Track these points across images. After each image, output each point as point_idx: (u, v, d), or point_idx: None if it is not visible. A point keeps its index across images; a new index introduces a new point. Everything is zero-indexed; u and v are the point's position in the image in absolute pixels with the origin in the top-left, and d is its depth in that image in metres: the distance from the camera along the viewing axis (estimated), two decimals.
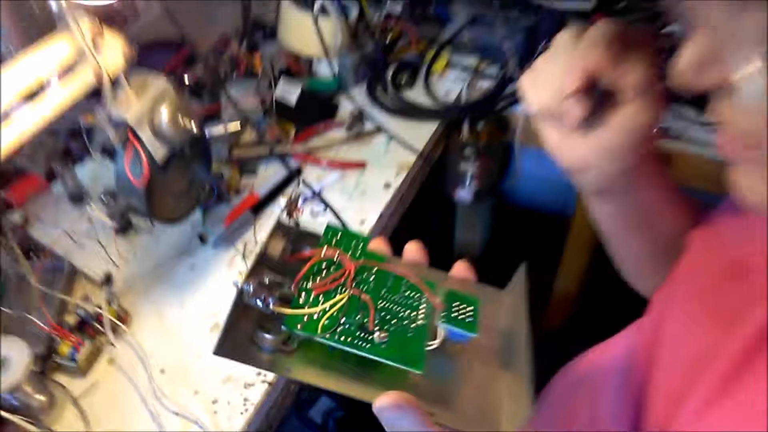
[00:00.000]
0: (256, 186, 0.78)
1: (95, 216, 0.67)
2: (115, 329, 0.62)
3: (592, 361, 0.56)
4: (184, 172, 0.60)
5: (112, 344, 0.62)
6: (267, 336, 0.40)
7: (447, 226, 1.23)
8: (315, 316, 0.41)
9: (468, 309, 0.43)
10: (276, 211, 0.75)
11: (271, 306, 0.40)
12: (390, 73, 0.93)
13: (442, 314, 0.41)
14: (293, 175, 0.79)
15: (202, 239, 0.72)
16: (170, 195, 0.58)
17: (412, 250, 0.46)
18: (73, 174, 0.72)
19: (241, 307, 0.40)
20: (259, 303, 0.40)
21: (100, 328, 0.62)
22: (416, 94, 0.91)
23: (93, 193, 0.73)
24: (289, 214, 0.75)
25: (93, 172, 0.76)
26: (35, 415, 0.56)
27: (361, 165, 0.81)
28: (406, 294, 0.44)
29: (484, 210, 1.22)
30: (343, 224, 0.74)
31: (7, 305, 0.62)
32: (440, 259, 0.48)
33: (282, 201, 0.76)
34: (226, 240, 0.72)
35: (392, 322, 0.42)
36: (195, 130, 0.55)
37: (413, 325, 0.42)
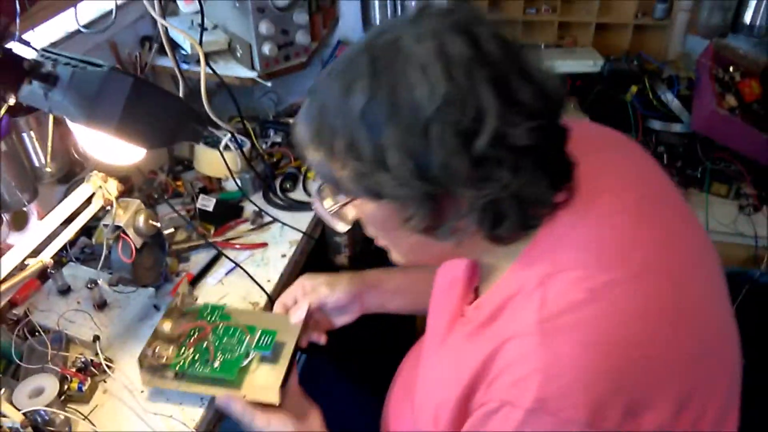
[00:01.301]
0: (189, 268, 1.12)
1: (84, 298, 0.98)
2: (105, 370, 0.92)
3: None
4: (151, 254, 0.94)
5: (104, 380, 0.91)
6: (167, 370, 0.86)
7: None
8: (182, 361, 0.89)
9: (269, 337, 0.91)
10: (209, 282, 1.09)
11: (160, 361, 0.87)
12: (278, 182, 1.33)
13: (254, 344, 0.89)
14: (216, 257, 1.14)
15: (156, 307, 1.04)
16: (145, 268, 0.92)
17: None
18: (60, 275, 1.03)
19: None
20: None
21: (95, 370, 0.92)
22: (298, 194, 1.31)
23: (74, 286, 1.04)
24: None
25: (71, 273, 1.07)
26: (58, 428, 0.84)
27: (263, 245, 1.18)
28: (238, 336, 0.92)
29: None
30: (256, 282, 1.09)
31: (29, 364, 0.91)
32: None
33: (209, 279, 1.11)
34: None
35: (227, 353, 0.89)
36: (158, 226, 0.91)
37: (236, 353, 0.89)
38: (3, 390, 0.84)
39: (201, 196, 1.25)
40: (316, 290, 0.92)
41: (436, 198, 0.56)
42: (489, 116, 0.52)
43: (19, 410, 0.81)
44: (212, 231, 1.19)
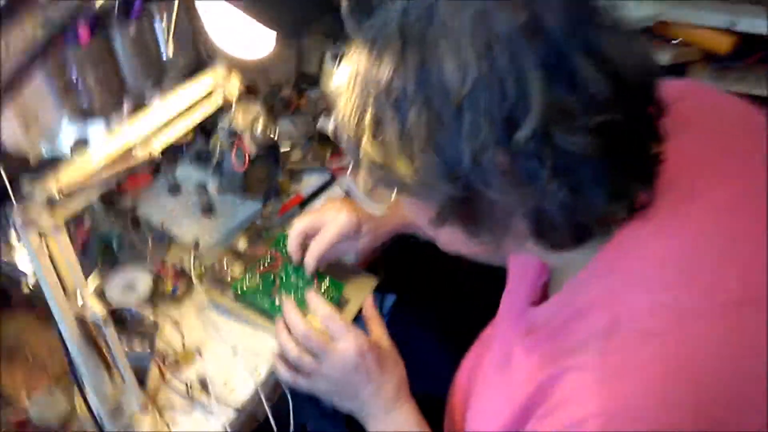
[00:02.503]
0: (301, 189, 1.05)
1: (192, 201, 0.95)
2: (197, 278, 0.88)
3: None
4: (264, 166, 0.88)
5: (199, 287, 0.88)
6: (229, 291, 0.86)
7: None
8: (245, 285, 0.85)
9: (335, 291, 0.86)
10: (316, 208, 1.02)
11: (225, 278, 0.87)
12: None
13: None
14: (329, 182, 1.06)
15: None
16: (256, 179, 0.86)
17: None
18: (172, 173, 1.00)
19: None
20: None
21: (192, 276, 0.88)
22: None
23: (184, 188, 1.01)
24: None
25: (184, 174, 1.04)
26: (146, 329, 0.82)
27: None
28: (306, 279, 0.86)
29: None
30: None
31: (125, 259, 0.89)
32: None
33: (319, 201, 1.03)
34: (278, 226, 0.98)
35: (290, 292, 0.84)
36: (275, 139, 0.84)
37: (298, 296, 0.84)
38: (95, 280, 0.82)
39: (323, 117, 1.18)
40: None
41: (464, 202, 0.45)
42: (534, 107, 0.40)
43: (109, 304, 0.78)
44: (328, 155, 1.12)
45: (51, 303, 0.60)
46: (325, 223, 0.83)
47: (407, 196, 0.50)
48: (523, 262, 0.65)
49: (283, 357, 0.74)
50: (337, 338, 0.71)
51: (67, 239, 0.61)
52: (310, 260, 0.83)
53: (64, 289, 0.61)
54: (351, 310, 0.84)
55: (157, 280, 0.86)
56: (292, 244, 0.84)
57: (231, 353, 0.81)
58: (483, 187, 0.43)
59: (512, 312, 0.64)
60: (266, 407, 0.76)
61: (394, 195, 0.51)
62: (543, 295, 0.60)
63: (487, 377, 0.66)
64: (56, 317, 0.61)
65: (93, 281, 0.83)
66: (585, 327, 0.48)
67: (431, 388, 0.76)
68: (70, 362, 0.63)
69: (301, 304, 0.77)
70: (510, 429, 0.54)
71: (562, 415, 0.46)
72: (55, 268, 0.60)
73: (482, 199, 0.45)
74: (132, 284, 0.80)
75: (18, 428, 0.71)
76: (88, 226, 0.87)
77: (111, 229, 0.87)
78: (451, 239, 0.53)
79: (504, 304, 0.69)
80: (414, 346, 0.81)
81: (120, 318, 0.79)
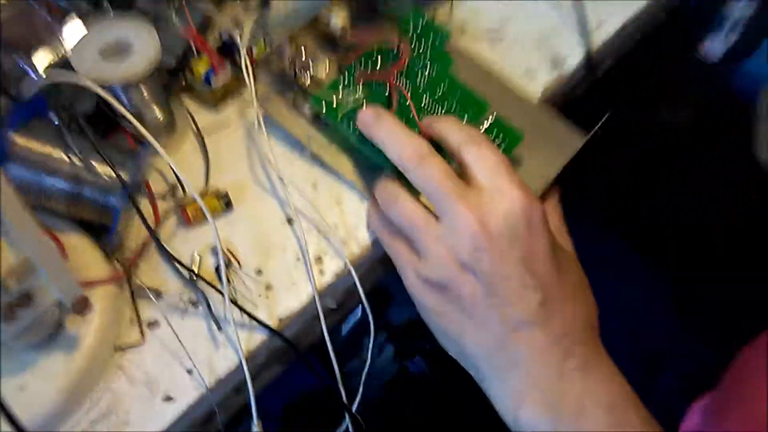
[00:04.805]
0: None
1: None
2: (248, 70, 0.48)
3: None
4: None
5: (251, 84, 0.48)
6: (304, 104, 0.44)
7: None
8: (336, 100, 0.43)
9: (502, 141, 0.42)
10: None
11: (299, 78, 0.45)
12: None
13: None
14: None
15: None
16: None
17: None
18: None
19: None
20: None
21: (242, 61, 0.48)
22: None
23: None
24: None
25: None
26: (150, 123, 0.44)
27: None
28: (451, 106, 0.43)
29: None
30: None
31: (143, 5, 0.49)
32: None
33: None
34: None
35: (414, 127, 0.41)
36: None
37: None
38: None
39: None
40: None
41: None
42: None
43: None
44: None
45: None
46: None
47: None
48: None
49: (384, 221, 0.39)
50: (496, 198, 0.35)
51: None
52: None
53: None
54: (538, 183, 0.43)
55: (185, 52, 0.47)
56: None
57: (282, 218, 0.43)
58: None
59: None
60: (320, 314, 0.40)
61: None
62: None
63: None
64: None
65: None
66: None
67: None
68: None
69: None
70: None
71: None
72: None
73: None
74: (125, 45, 0.42)
75: None
76: None
77: None
78: None
79: None
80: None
81: (98, 112, 0.42)
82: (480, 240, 0.34)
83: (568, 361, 0.35)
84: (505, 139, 0.43)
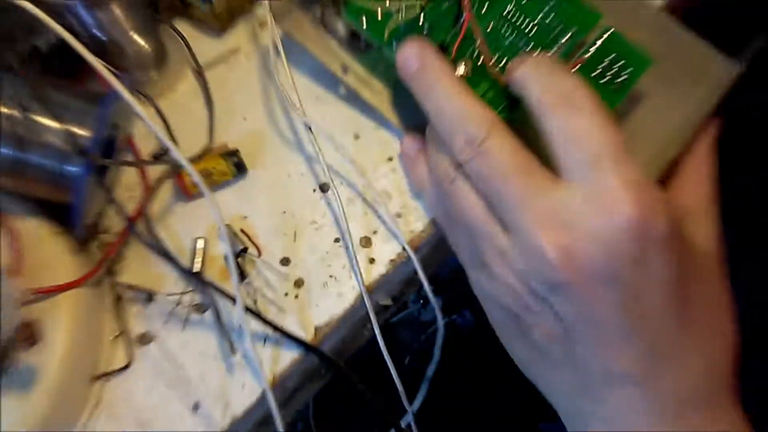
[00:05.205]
0: None
1: None
2: None
3: None
4: None
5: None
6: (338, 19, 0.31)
7: None
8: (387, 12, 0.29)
9: (621, 69, 0.29)
10: None
11: None
12: None
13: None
14: None
15: None
16: None
17: None
18: None
19: None
20: None
21: None
22: None
23: None
24: None
25: None
26: (130, 66, 0.33)
27: None
28: (545, 20, 0.29)
29: None
30: None
31: None
32: None
33: None
34: None
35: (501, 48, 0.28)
36: None
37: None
38: None
39: None
40: None
41: None
42: None
43: None
44: None
45: None
46: None
47: None
48: None
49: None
50: (592, 207, 0.22)
51: None
52: None
53: None
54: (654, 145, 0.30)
55: None
56: None
57: (313, 183, 0.31)
58: None
59: None
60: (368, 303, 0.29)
61: None
62: None
63: None
64: None
65: None
66: None
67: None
68: None
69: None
70: None
71: None
72: None
73: None
74: None
75: None
76: None
77: None
78: None
79: None
80: None
81: (63, 47, 0.31)
82: (560, 275, 0.22)
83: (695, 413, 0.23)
84: (626, 67, 0.29)
